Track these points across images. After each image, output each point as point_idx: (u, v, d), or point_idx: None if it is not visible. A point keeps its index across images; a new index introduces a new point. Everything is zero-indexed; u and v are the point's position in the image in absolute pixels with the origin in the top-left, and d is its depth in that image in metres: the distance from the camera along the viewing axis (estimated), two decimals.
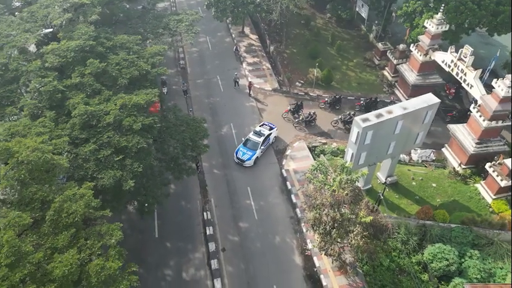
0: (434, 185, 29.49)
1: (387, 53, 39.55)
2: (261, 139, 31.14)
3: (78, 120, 18.96)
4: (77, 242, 14.35)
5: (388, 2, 41.92)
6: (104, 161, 18.11)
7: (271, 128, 32.43)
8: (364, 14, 45.16)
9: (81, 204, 14.54)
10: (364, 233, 20.51)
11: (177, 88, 38.98)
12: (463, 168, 29.83)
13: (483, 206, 27.86)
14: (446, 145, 31.72)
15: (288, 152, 32.45)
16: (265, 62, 42.76)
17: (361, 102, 35.87)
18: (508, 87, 25.39)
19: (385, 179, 29.12)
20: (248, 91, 38.21)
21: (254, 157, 30.58)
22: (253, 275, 24.56)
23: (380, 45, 41.19)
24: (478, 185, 28.90)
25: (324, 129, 34.74)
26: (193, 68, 41.99)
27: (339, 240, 21.80)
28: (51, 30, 29.13)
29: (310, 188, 22.62)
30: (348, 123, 33.75)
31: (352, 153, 25.05)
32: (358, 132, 23.78)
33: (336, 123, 34.77)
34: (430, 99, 25.47)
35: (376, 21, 44.28)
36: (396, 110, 24.75)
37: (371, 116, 24.21)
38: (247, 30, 47.34)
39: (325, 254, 22.55)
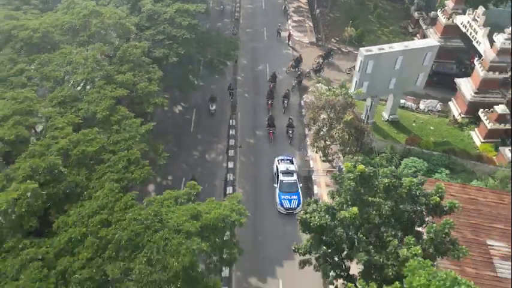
0: (432, 128, 33.35)
1: (419, 20, 42.98)
2: (295, 177, 27.83)
3: (145, 14, 26.35)
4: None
5: None
6: (158, 42, 25.34)
7: (291, 161, 29.21)
8: None
9: (138, 51, 21.87)
10: (345, 129, 25.71)
11: (228, 33, 45.87)
12: (462, 117, 33.27)
13: (471, 147, 31.32)
14: (452, 98, 35.16)
15: None
16: (309, 21, 48.17)
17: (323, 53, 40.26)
18: (505, 39, 28.65)
19: (388, 116, 33.52)
20: (287, 41, 44.03)
21: (301, 199, 26.89)
22: (260, 165, 30.84)
23: (416, 14, 44.60)
24: (472, 132, 32.29)
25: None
26: (246, 20, 48.62)
27: (327, 137, 27.19)
28: None
29: (312, 97, 28.23)
30: (317, 71, 38.50)
31: (356, 81, 29.95)
32: (361, 60, 28.65)
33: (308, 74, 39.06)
34: (430, 42, 29.53)
35: None
36: (397, 46, 29.24)
37: (374, 48, 28.99)
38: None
39: (315, 148, 28.04)
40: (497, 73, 30.47)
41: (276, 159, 29.45)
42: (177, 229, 14.91)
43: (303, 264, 18.09)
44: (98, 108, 19.55)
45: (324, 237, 16.87)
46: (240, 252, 16.98)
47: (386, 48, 29.05)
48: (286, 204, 26.76)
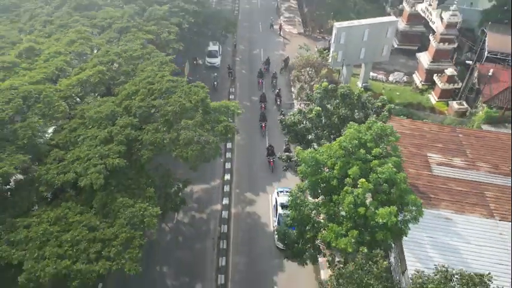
0: (398, 93, 40.09)
1: (391, 13, 50.49)
2: None
3: None
4: None
5: None
6: (174, 13, 32.49)
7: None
8: None
9: (160, 12, 29.34)
10: (322, 81, 32.40)
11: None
12: (423, 84, 40.10)
13: (429, 105, 37.94)
14: (415, 71, 42.11)
15: None
16: (298, 17, 55.87)
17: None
18: (450, 15, 35.82)
19: (361, 84, 40.32)
20: (279, 32, 51.42)
21: None
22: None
23: (388, 9, 52.24)
24: (429, 95, 39.03)
25: None
26: (243, 16, 56.33)
27: (308, 90, 33.88)
28: None
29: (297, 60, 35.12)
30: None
31: (332, 51, 36.91)
32: (335, 33, 35.69)
33: None
34: (391, 18, 36.67)
35: None
36: (365, 21, 36.36)
37: (346, 22, 36.09)
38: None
39: (298, 100, 34.66)
40: (447, 44, 37.49)
41: (275, 190, 28.11)
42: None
43: (286, 167, 24.43)
44: (131, 49, 26.41)
45: (296, 129, 23.31)
46: (236, 131, 23.68)
47: (356, 22, 36.18)
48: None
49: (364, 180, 16.45)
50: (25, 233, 16.67)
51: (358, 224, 16.89)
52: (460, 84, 36.75)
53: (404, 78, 42.35)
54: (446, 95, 37.31)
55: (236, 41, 47.12)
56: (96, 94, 23.53)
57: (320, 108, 22.68)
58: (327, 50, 36.66)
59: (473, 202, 24.52)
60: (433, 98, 38.39)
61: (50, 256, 15.93)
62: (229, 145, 33.50)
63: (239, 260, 25.48)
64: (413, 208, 16.49)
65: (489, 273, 13.98)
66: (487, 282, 13.34)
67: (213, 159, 21.96)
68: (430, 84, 39.64)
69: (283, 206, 25.16)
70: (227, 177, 30.87)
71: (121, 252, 16.53)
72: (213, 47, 41.40)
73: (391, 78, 42.54)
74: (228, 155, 32.97)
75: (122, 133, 20.09)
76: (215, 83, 39.34)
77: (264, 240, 26.58)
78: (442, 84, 36.63)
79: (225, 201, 29.05)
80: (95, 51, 26.44)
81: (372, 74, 41.79)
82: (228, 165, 31.96)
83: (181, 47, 30.05)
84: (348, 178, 17.18)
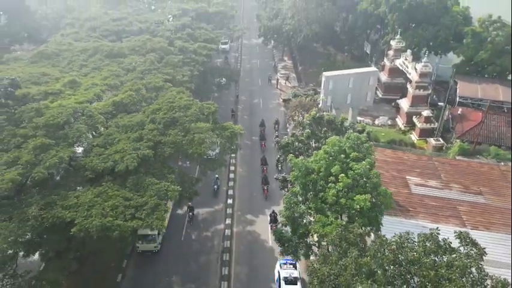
0: (383, 134, 44.76)
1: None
2: (300, 286, 25.07)
3: (177, 48, 40.03)
4: None
5: (382, 41, 60.63)
6: (186, 63, 38.42)
7: (294, 266, 26.19)
8: (368, 50, 64.09)
9: (176, 60, 34.93)
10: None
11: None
12: (405, 126, 44.94)
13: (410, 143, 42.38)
14: (398, 115, 47.23)
15: None
16: (293, 73, 62.67)
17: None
18: (423, 66, 41.75)
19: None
20: (276, 85, 57.69)
21: None
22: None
23: (372, 66, 59.04)
24: (411, 135, 43.68)
25: None
26: (245, 73, 63.21)
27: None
28: None
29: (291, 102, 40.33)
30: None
31: (322, 95, 42.28)
32: (324, 80, 41.33)
33: None
34: (372, 69, 42.55)
35: (375, 55, 62.82)
36: (349, 71, 42.18)
37: (334, 72, 41.89)
38: (285, 57, 68.49)
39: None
40: (422, 90, 42.98)
41: (278, 262, 26.77)
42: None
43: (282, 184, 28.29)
44: (154, 81, 32.10)
45: (290, 149, 27.45)
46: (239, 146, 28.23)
47: (342, 72, 42.01)
48: None
49: (343, 175, 20.24)
50: (75, 201, 21.49)
51: (340, 213, 20.32)
52: (436, 123, 41.56)
53: (389, 122, 47.32)
54: (425, 134, 41.91)
55: (238, 92, 52.96)
56: (127, 113, 28.93)
57: (310, 131, 27.04)
58: (317, 95, 42.10)
59: (447, 215, 27.84)
60: (414, 137, 42.95)
61: (96, 215, 20.56)
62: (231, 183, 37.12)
63: (240, 270, 28.06)
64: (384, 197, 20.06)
65: (437, 228, 17.35)
66: (436, 235, 16.73)
67: (219, 167, 26.17)
68: (411, 125, 44.49)
69: (286, 281, 24.92)
70: (230, 201, 34.30)
71: (150, 214, 21.16)
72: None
73: (376, 122, 47.51)
74: (231, 183, 36.72)
75: (149, 134, 25.64)
76: (215, 186, 35.33)
77: (263, 254, 29.33)
78: (421, 124, 41.42)
79: (228, 221, 32.16)
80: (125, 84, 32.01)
81: (359, 118, 46.78)
82: (230, 192, 35.57)
83: (193, 87, 35.37)
84: (331, 177, 20.95)
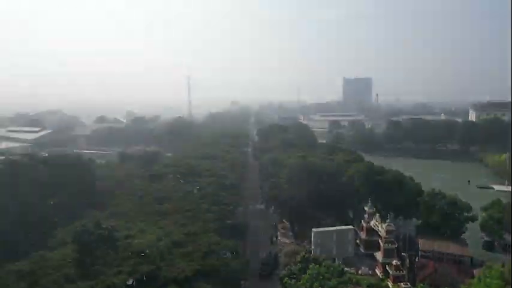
0: (365, 281, 54.54)
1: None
2: None
3: None
4: None
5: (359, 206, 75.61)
6: None
7: None
8: (351, 213, 78.59)
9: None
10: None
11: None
12: (382, 274, 55.12)
13: None
14: (376, 266, 57.82)
15: None
16: (290, 232, 75.43)
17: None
18: (387, 225, 55.11)
19: None
20: (276, 242, 69.79)
21: None
22: None
23: (355, 226, 72.23)
24: (387, 281, 53.50)
25: None
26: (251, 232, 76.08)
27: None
28: None
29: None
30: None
31: (313, 248, 54.15)
32: (313, 235, 53.99)
33: None
34: (349, 227, 55.70)
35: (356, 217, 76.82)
36: (333, 228, 55.22)
37: (321, 229, 54.91)
38: (284, 219, 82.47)
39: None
40: (390, 244, 55.12)
41: None
42: None
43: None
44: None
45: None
46: None
47: (327, 229, 55.09)
48: None
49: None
50: None
51: None
52: (405, 271, 52.12)
53: (370, 272, 57.61)
54: (398, 279, 51.96)
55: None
56: None
57: (300, 266, 38.28)
58: (308, 247, 54.04)
59: None
60: (390, 283, 52.78)
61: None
62: None
63: None
64: None
65: None
66: None
67: None
68: (386, 273, 54.74)
69: None
70: None
71: None
72: None
73: (359, 272, 57.79)
74: None
75: None
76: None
77: None
78: (392, 272, 52.02)
79: None
80: None
81: (346, 269, 57.22)
82: None
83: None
84: None
